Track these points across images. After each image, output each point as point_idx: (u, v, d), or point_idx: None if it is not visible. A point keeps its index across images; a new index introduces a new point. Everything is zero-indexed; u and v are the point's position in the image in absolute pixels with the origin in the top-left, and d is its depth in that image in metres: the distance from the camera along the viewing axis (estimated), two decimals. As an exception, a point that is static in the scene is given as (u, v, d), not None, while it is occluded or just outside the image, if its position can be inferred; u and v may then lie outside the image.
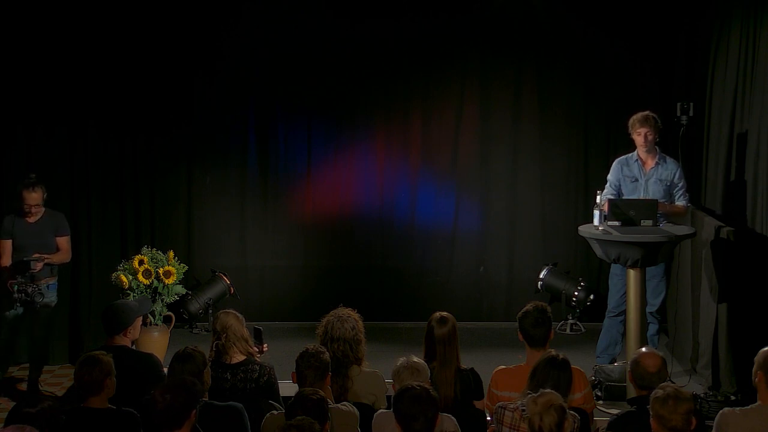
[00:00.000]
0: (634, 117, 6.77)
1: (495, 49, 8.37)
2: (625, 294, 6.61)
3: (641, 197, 6.74)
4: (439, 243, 8.51)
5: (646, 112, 6.76)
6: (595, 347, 7.12)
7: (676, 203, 6.81)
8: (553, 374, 4.48)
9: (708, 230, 6.70)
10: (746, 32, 6.78)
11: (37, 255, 6.83)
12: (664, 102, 8.11)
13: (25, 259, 6.77)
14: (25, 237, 6.93)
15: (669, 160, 6.86)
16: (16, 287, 6.66)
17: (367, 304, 7.35)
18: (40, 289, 6.72)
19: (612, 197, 6.70)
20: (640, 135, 6.73)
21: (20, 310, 6.78)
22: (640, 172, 6.85)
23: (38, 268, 6.79)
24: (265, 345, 5.52)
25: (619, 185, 6.90)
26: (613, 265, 6.82)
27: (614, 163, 6.97)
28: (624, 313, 6.72)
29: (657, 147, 6.86)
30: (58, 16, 7.83)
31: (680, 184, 6.81)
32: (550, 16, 8.29)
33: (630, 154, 6.91)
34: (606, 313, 7.10)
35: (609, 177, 6.96)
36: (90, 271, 8.01)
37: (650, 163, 6.84)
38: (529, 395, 4.04)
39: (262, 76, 8.29)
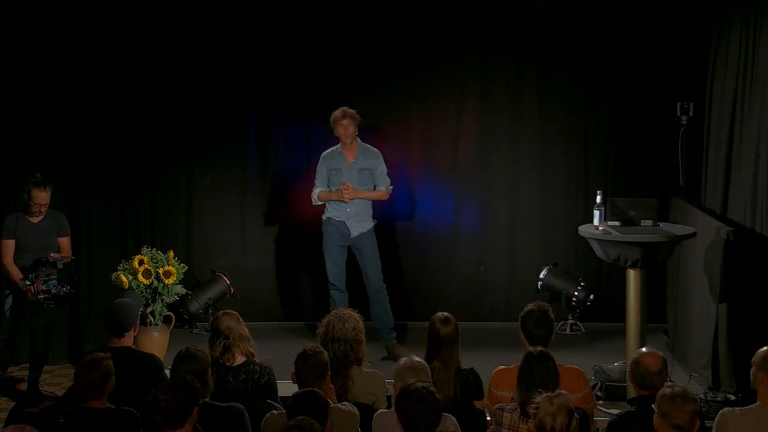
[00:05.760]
0: (335, 113, 7.25)
1: (495, 49, 8.36)
2: (340, 267, 7.36)
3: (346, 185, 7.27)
4: (439, 243, 8.50)
5: (344, 107, 7.25)
6: (596, 348, 7.11)
7: (378, 189, 7.38)
8: (536, 367, 4.47)
9: (708, 230, 6.70)
10: (746, 32, 6.77)
11: (54, 255, 6.82)
12: (664, 102, 8.12)
13: (51, 260, 6.75)
14: (28, 237, 6.91)
15: (370, 150, 7.42)
16: (52, 285, 6.65)
17: (368, 304, 7.39)
18: (52, 289, 6.70)
19: (322, 190, 7.34)
20: (342, 127, 7.24)
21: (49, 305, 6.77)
22: (344, 163, 7.34)
23: (60, 267, 6.81)
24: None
25: (328, 178, 7.39)
26: (324, 234, 7.37)
27: (321, 158, 7.46)
28: (337, 286, 7.37)
29: (358, 138, 7.36)
30: (59, 17, 7.82)
31: (381, 172, 7.38)
32: (550, 16, 8.28)
33: (334, 148, 7.42)
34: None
35: (318, 171, 7.45)
36: (90, 271, 8.00)
37: (353, 154, 7.36)
38: (543, 394, 4.00)
39: (263, 76, 8.29)
